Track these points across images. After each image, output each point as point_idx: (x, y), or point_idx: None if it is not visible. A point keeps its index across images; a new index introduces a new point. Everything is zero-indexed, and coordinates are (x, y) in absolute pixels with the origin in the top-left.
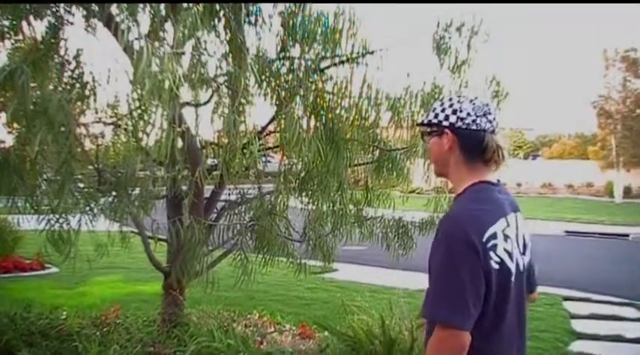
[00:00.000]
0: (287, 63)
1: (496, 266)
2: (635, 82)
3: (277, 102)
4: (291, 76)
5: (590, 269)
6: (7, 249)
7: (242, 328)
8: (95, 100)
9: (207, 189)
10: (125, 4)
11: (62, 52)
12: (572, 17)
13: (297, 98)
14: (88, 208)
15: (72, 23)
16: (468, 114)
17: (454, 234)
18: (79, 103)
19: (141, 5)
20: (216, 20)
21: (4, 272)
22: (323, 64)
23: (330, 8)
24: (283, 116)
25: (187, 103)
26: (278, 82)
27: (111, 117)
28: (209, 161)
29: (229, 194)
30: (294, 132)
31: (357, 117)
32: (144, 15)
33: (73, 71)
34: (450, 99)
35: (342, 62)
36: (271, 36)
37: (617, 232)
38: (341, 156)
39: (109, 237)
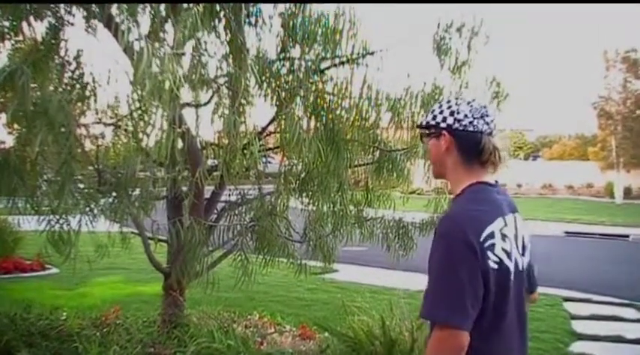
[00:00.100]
0: (287, 64)
1: (494, 266)
2: (636, 82)
3: (277, 103)
4: (291, 76)
5: (590, 270)
6: (8, 250)
7: (242, 329)
8: (95, 101)
9: (208, 190)
10: (125, 5)
11: (62, 53)
12: (572, 18)
13: (298, 99)
14: (88, 209)
15: (72, 24)
16: (466, 115)
17: (452, 235)
18: (79, 104)
19: (141, 6)
20: (216, 21)
21: (5, 272)
22: (323, 65)
23: (330, 9)
24: (283, 117)
25: (188, 104)
26: (278, 82)
27: (111, 117)
28: (209, 162)
29: (229, 195)
30: (294, 132)
31: (357, 117)
32: (144, 16)
33: (73, 72)
34: (448, 102)
35: (343, 63)
36: (271, 37)
37: (617, 233)
38: (341, 157)
39: (109, 238)
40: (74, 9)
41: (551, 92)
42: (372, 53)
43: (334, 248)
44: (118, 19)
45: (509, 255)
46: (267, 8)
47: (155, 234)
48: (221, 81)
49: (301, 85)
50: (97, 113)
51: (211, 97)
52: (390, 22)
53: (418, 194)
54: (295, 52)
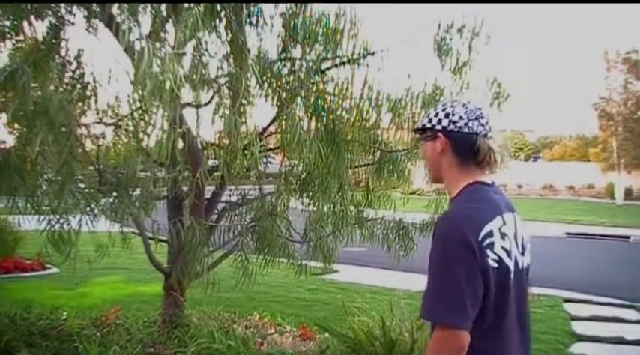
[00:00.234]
0: (288, 64)
1: (494, 265)
2: (636, 83)
3: (278, 104)
4: (292, 77)
5: (590, 270)
6: (8, 250)
7: (242, 329)
8: (96, 101)
9: (208, 190)
10: (126, 5)
11: (63, 53)
12: (573, 18)
13: (298, 99)
14: (88, 209)
15: (73, 24)
16: (460, 117)
17: (450, 235)
18: (80, 104)
19: (142, 6)
20: (217, 21)
21: (5, 272)
22: (324, 65)
23: (331, 9)
24: (284, 117)
25: (188, 104)
26: (279, 83)
27: (112, 117)
28: (210, 162)
29: (230, 195)
30: (295, 133)
31: (358, 118)
32: (145, 15)
33: (74, 71)
34: (444, 104)
35: (343, 63)
36: (272, 37)
37: (618, 234)
38: (342, 158)
39: (109, 238)
40: (75, 9)
41: (552, 93)
42: (373, 53)
43: (334, 248)
44: (118, 19)
45: (508, 253)
46: (268, 8)
47: (156, 234)
48: (222, 81)
49: (302, 85)
50: (97, 113)
51: (212, 97)
52: (391, 23)
53: (419, 195)
54: (296, 52)
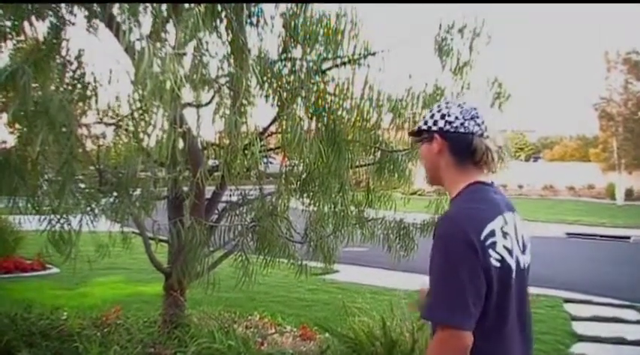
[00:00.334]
0: (289, 64)
1: (497, 264)
2: (637, 84)
3: (279, 104)
4: (292, 77)
5: (591, 271)
6: (8, 250)
7: (243, 329)
8: (96, 101)
9: (209, 190)
10: (127, 5)
11: (64, 53)
12: (574, 19)
13: (299, 99)
14: (89, 209)
15: (74, 24)
16: (456, 118)
17: (452, 235)
18: (80, 104)
19: (142, 6)
20: (217, 21)
21: (5, 272)
22: (325, 66)
23: (332, 9)
24: (285, 117)
25: (189, 104)
26: (279, 83)
27: (112, 117)
28: (210, 162)
29: (230, 195)
30: (295, 133)
31: (358, 118)
32: (145, 15)
33: (74, 72)
34: (439, 106)
35: (344, 63)
36: (273, 37)
37: (618, 234)
38: (342, 158)
39: (110, 238)
40: (75, 9)
41: (553, 93)
42: (374, 54)
43: (335, 248)
44: (119, 19)
45: (510, 252)
46: (268, 8)
47: (156, 234)
48: (222, 81)
49: (302, 85)
50: (98, 113)
51: (212, 97)
52: (392, 23)
53: (419, 195)
54: (297, 52)
